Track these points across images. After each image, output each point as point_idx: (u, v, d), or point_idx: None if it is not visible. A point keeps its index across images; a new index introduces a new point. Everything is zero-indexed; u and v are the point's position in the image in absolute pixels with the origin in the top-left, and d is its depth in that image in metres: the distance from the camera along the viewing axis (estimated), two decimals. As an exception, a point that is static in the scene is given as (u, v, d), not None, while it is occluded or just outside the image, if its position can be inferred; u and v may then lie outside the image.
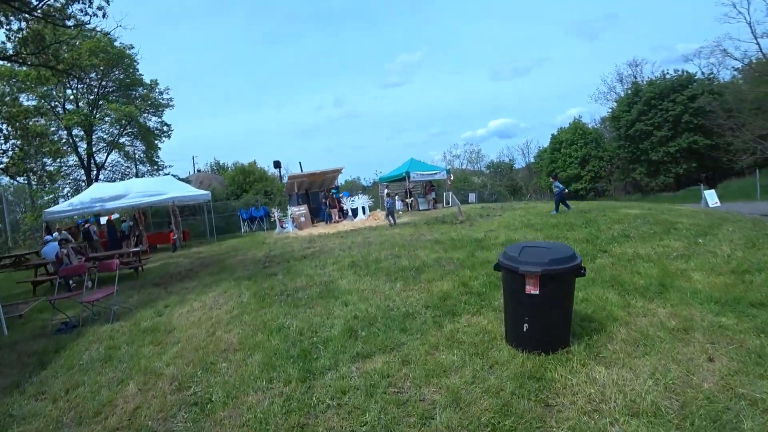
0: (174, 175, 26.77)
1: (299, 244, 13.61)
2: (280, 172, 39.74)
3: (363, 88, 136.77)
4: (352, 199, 21.56)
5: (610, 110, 42.91)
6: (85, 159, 24.98)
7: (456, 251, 8.33)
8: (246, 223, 22.71)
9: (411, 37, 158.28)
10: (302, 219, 20.49)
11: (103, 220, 19.87)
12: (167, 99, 26.82)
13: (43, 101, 23.73)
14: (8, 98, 14.26)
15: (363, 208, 21.26)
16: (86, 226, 17.66)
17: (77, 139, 24.91)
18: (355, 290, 6.23)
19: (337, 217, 21.37)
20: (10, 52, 12.52)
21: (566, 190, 13.68)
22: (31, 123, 14.92)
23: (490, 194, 38.53)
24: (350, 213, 21.25)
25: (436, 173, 25.31)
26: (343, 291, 6.28)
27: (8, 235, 25.19)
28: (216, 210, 24.92)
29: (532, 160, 55.42)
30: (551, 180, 14.35)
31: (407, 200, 24.47)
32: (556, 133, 44.11)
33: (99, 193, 17.73)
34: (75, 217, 19.09)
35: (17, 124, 14.43)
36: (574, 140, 40.76)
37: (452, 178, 27.56)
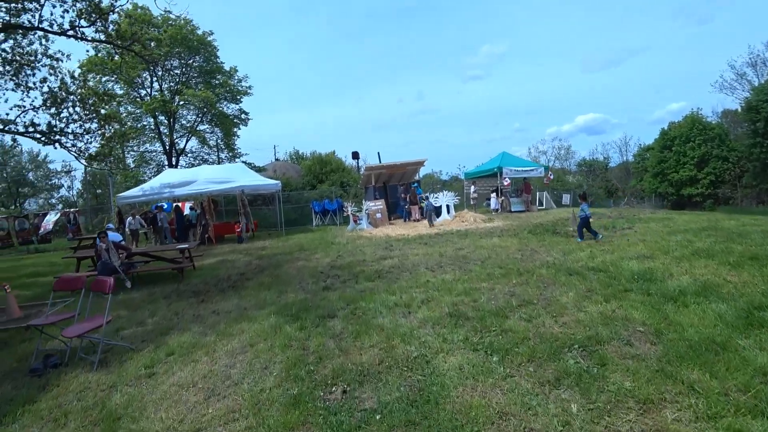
0: (249, 163, 25.35)
1: (373, 249, 10.76)
2: (358, 163, 37.59)
3: (444, 82, 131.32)
4: (435, 195, 18.34)
5: (739, 102, 35.33)
6: (168, 145, 24.28)
7: (621, 300, 4.87)
8: (318, 216, 20.43)
9: (495, 28, 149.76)
10: (378, 215, 17.71)
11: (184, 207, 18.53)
12: (246, 86, 25.43)
13: (129, 89, 23.26)
14: (79, 79, 12.78)
15: (447, 206, 18.01)
16: (155, 212, 16.23)
17: (162, 126, 24.25)
18: (481, 406, 2.91)
19: (417, 215, 18.33)
20: (66, 26, 10.90)
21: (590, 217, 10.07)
22: (103, 106, 13.45)
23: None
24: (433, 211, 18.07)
25: (532, 170, 21.31)
26: (457, 406, 2.94)
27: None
28: (289, 200, 23.02)
29: (631, 158, 48.28)
30: (580, 201, 10.81)
31: (499, 200, 20.76)
32: (666, 128, 37.32)
33: (168, 179, 16.27)
34: (149, 203, 17.96)
35: (89, 105, 13.06)
36: (690, 137, 33.91)
37: (551, 176, 23.33)
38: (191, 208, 16.91)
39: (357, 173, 32.67)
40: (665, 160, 35.22)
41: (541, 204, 22.48)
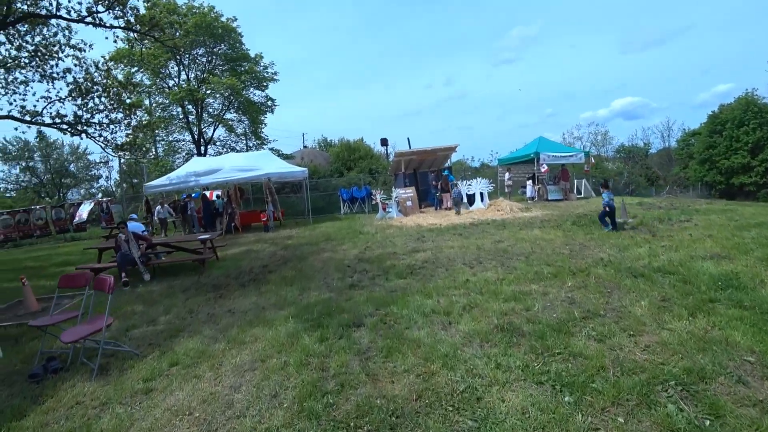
0: (276, 150, 24.89)
1: (404, 240, 9.99)
2: (386, 150, 36.72)
3: (474, 66, 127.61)
4: (468, 183, 17.33)
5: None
6: (196, 134, 24.09)
7: (710, 314, 3.90)
8: (346, 204, 19.78)
9: (527, 10, 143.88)
10: (408, 203, 16.89)
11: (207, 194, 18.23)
12: (272, 73, 24.84)
13: (156, 79, 23.09)
14: (103, 69, 12.44)
15: (481, 194, 16.97)
16: (185, 201, 15.97)
17: (190, 116, 24.03)
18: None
19: (448, 204, 17.38)
20: (84, 12, 10.46)
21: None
22: (128, 95, 13.11)
23: (626, 184, 31.31)
24: (465, 199, 17.09)
25: (571, 155, 19.89)
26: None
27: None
28: (317, 188, 22.47)
29: (674, 144, 45.08)
30: (602, 190, 10.35)
31: (535, 188, 19.50)
32: (716, 111, 34.46)
33: (194, 167, 15.94)
34: (177, 192, 17.74)
35: (113, 94, 12.75)
36: (744, 120, 31.06)
37: (593, 162, 21.79)
38: (218, 197, 16.55)
39: (386, 160, 31.87)
40: (714, 146, 32.48)
41: (579, 192, 21.03)
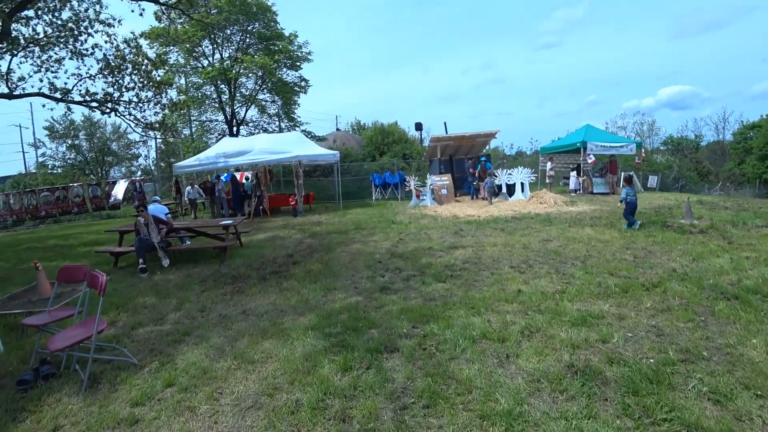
0: (308, 133, 24.21)
1: (440, 233, 9.12)
2: (421, 134, 35.56)
3: (513, 50, 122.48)
4: (508, 171, 16.13)
5: None
6: (229, 114, 23.70)
7: None
8: (378, 190, 18.96)
9: None
10: (443, 192, 15.92)
11: (237, 176, 17.78)
12: (306, 52, 24.00)
13: (190, 58, 22.70)
14: (133, 45, 11.96)
15: (522, 185, 15.77)
16: (214, 182, 15.57)
17: (223, 95, 23.60)
18: None
19: (485, 194, 16.27)
20: None
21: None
22: (156, 72, 12.63)
23: (675, 179, 28.91)
24: (504, 190, 15.95)
25: (621, 146, 18.23)
26: None
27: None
28: (348, 171, 21.73)
29: (729, 137, 41.49)
30: (623, 185, 9.99)
31: (580, 179, 18.05)
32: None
33: (224, 148, 15.48)
34: (207, 173, 17.40)
35: (142, 71, 12.30)
36: (815, 108, 27.95)
37: (644, 154, 20.02)
38: (247, 179, 16.08)
39: (420, 145, 30.79)
40: (777, 139, 29.70)
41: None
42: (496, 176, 16.28)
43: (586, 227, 9.16)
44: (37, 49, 11.93)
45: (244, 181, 16.57)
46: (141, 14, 10.54)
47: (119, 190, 19.69)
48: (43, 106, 11.75)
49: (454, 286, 5.24)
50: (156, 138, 14.63)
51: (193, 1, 12.20)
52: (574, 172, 18.63)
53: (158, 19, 11.12)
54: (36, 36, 11.69)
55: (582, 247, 7.23)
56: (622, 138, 22.43)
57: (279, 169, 21.58)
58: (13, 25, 11.48)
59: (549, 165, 19.80)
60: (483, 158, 17.14)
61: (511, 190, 16.04)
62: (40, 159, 40.91)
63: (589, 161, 17.77)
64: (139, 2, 10.43)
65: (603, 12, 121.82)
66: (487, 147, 19.57)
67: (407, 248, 7.73)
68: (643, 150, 19.84)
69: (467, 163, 17.55)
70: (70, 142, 41.01)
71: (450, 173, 17.29)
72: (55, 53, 12.14)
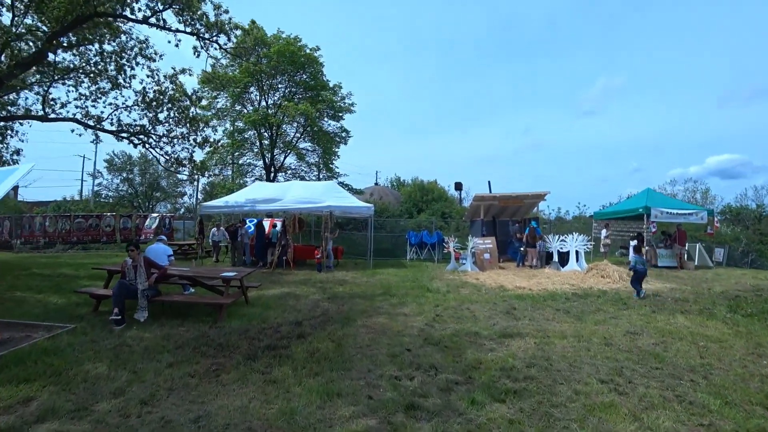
0: (346, 185, 23.14)
1: (486, 311, 7.19)
2: (460, 194, 34.09)
3: (554, 117, 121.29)
4: (562, 238, 14.05)
5: None
6: (269, 159, 23.17)
7: None
8: (414, 249, 17.18)
9: (613, 59, 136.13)
10: (486, 256, 13.97)
11: (266, 223, 16.56)
12: (349, 103, 23.56)
13: (235, 102, 22.72)
14: (173, 82, 11.43)
15: (577, 253, 13.61)
16: (236, 225, 14.39)
17: (264, 140, 23.24)
18: None
19: (534, 261, 14.19)
20: (147, 12, 9.38)
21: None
22: (194, 109, 11.98)
23: (744, 253, 25.36)
24: (556, 258, 13.81)
25: (690, 213, 15.75)
26: None
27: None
28: (383, 227, 20.19)
29: (796, 206, 36.95)
30: (633, 253, 9.16)
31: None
32: None
33: (254, 193, 14.44)
34: (232, 215, 16.33)
35: (179, 106, 11.67)
36: None
37: (717, 225, 17.39)
38: (275, 226, 14.83)
39: (459, 205, 29.23)
40: None
41: (690, 258, 16.60)
42: (546, 242, 14.23)
43: (676, 315, 7.02)
44: (87, 79, 11.56)
45: (272, 228, 15.31)
46: (177, 45, 9.97)
47: (150, 228, 19.01)
48: (72, 131, 11.11)
49: (522, 414, 3.32)
50: (185, 174, 13.68)
51: (245, 51, 11.74)
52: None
53: (196, 53, 10.48)
54: (80, 65, 11.31)
55: (688, 348, 5.17)
56: (691, 205, 19.89)
57: (311, 219, 20.35)
58: (64, 55, 11.29)
59: (604, 232, 17.53)
60: (533, 222, 15.18)
61: (563, 258, 13.90)
62: (96, 188, 42.48)
63: (653, 230, 15.42)
64: (176, 33, 9.82)
65: (644, 81, 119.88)
66: (537, 208, 17.58)
67: (446, 331, 5.82)
68: (716, 218, 17.23)
69: (515, 226, 15.60)
70: (125, 175, 42.55)
71: (493, 236, 15.38)
72: (102, 84, 11.73)
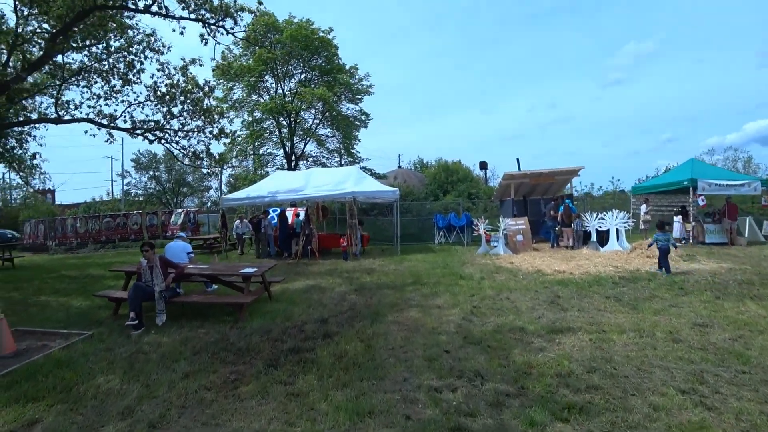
0: (369, 169, 22.54)
1: (528, 300, 6.54)
2: (486, 174, 32.99)
3: (580, 88, 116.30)
4: (600, 216, 13.11)
5: None
6: (289, 148, 22.76)
7: None
8: (442, 233, 16.52)
9: (642, 23, 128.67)
10: (519, 238, 13.19)
11: (288, 213, 16.19)
12: (367, 85, 22.77)
13: (251, 92, 22.26)
14: (185, 71, 11.01)
15: (617, 231, 12.66)
16: (260, 216, 14.08)
17: (283, 129, 22.79)
18: None
19: (569, 241, 13.33)
20: (148, 1, 8.89)
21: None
22: (207, 100, 11.55)
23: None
24: (594, 237, 12.91)
25: (741, 184, 14.43)
26: None
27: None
28: (409, 211, 19.56)
29: None
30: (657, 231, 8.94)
31: (689, 226, 14.53)
32: None
33: (275, 182, 14.05)
34: (256, 207, 16.03)
35: (191, 99, 11.28)
36: None
37: (774, 197, 15.94)
38: (298, 215, 14.43)
39: (485, 185, 28.25)
40: None
41: (740, 233, 15.31)
42: (584, 220, 13.32)
43: (746, 301, 6.19)
44: (99, 79, 11.30)
45: (295, 217, 14.93)
46: (182, 33, 9.48)
47: (176, 224, 19.03)
48: (86, 132, 10.90)
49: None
50: (204, 168, 13.30)
51: (255, 36, 11.19)
52: (679, 216, 15.06)
53: (203, 41, 9.98)
54: (90, 65, 11.04)
55: (775, 344, 4.39)
56: (741, 175, 18.39)
57: (335, 206, 19.91)
58: (75, 56, 11.03)
59: (644, 208, 16.35)
60: (567, 200, 14.25)
61: (602, 238, 12.98)
62: (125, 187, 43.44)
63: (701, 203, 14.23)
64: (179, 21, 9.31)
65: (677, 44, 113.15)
66: (571, 185, 16.57)
67: (486, 326, 5.23)
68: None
69: (548, 204, 14.68)
70: (151, 173, 43.30)
71: (525, 216, 14.55)
72: (114, 83, 11.46)
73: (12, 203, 38.54)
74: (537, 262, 10.65)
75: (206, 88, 11.26)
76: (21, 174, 15.32)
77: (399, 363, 4.13)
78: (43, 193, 48.07)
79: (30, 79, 12.10)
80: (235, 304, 6.06)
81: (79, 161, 79.08)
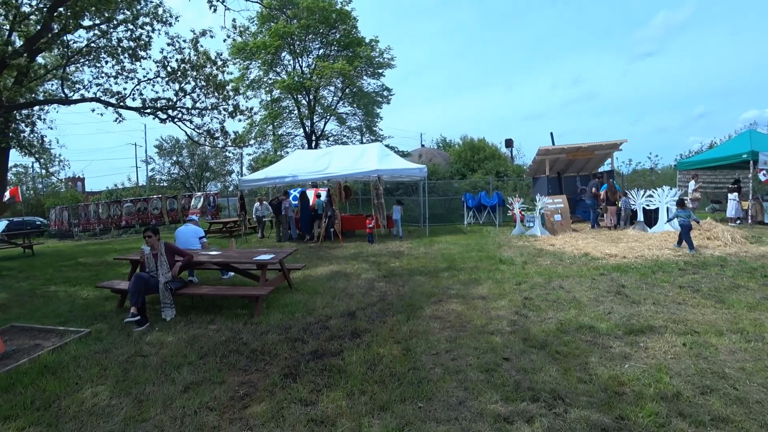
0: (392, 147, 21.46)
1: (587, 290, 5.58)
2: (512, 152, 31.60)
3: (606, 62, 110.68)
4: (647, 193, 11.82)
5: None
6: (309, 127, 21.87)
7: None
8: (471, 213, 15.46)
9: None
10: (557, 217, 12.07)
11: (309, 193, 15.40)
12: (388, 58, 21.51)
13: (270, 69, 21.29)
14: (195, 44, 10.16)
15: (668, 210, 11.38)
16: (282, 199, 13.34)
17: (302, 108, 21.85)
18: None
19: (612, 220, 12.15)
20: None
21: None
22: (220, 74, 10.70)
23: None
24: (640, 217, 11.68)
25: None
26: None
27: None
28: (435, 191, 18.55)
29: None
30: (677, 208, 8.97)
31: (746, 204, 13.07)
32: None
33: (295, 162, 13.24)
34: (274, 187, 15.29)
35: (203, 74, 10.48)
36: None
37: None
38: (319, 196, 13.63)
39: (512, 163, 26.94)
40: None
41: None
42: (630, 198, 12.07)
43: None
44: (109, 57, 10.60)
45: (316, 198, 14.15)
46: None
47: (196, 208, 18.56)
48: (93, 110, 10.26)
49: None
50: (218, 147, 12.51)
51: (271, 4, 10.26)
52: (735, 194, 13.57)
53: (212, 8, 9.11)
54: (96, 42, 10.31)
55: None
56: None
57: (358, 186, 19.04)
58: (83, 33, 10.33)
59: (692, 184, 14.87)
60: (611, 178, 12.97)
61: (649, 217, 11.74)
62: (150, 173, 43.64)
63: (762, 179, 12.75)
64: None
65: (712, 12, 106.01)
66: (612, 160, 15.19)
67: (546, 324, 4.30)
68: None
69: (593, 181, 13.41)
70: (175, 158, 43.24)
71: (560, 194, 13.37)
72: (124, 62, 10.73)
73: (44, 192, 39.18)
74: (581, 244, 9.58)
75: (219, 62, 10.42)
76: (40, 161, 14.98)
77: (448, 375, 3.26)
78: (74, 181, 48.91)
79: (41, 60, 11.54)
80: (250, 296, 5.29)
81: (105, 149, 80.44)
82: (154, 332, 4.78)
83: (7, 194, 18.91)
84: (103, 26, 10.05)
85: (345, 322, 4.80)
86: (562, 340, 3.81)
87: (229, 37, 10.03)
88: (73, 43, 10.52)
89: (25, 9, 8.79)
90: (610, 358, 3.43)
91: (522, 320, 4.44)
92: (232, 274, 7.47)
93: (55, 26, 9.25)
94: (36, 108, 10.99)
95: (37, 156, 13.97)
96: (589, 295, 5.26)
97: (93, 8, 8.97)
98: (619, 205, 12.20)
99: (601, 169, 15.79)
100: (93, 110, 10.23)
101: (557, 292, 5.50)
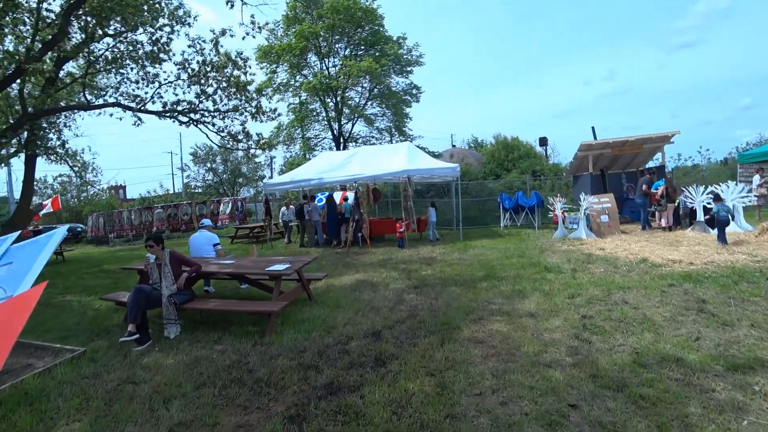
0: (423, 147, 20.64)
1: (657, 305, 4.61)
2: (546, 150, 30.15)
3: (642, 55, 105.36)
4: (709, 190, 10.49)
5: None
6: (337, 129, 21.38)
7: None
8: (508, 215, 14.43)
9: None
10: (604, 218, 10.92)
11: (337, 196, 14.84)
12: (416, 56, 20.74)
13: (296, 71, 20.96)
14: (216, 44, 9.81)
15: (733, 207, 10.03)
16: (301, 202, 12.83)
17: (329, 110, 21.41)
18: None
19: (668, 222, 10.87)
20: None
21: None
22: (243, 75, 10.29)
23: None
24: (701, 216, 10.36)
25: None
26: None
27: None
28: (468, 192, 17.61)
29: None
30: (714, 203, 8.74)
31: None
32: None
33: (321, 164, 12.69)
34: (298, 191, 14.82)
35: (225, 76, 10.11)
36: None
37: None
38: (346, 199, 13.00)
39: (547, 162, 25.59)
40: None
41: None
42: (689, 196, 10.77)
43: None
44: (134, 64, 10.42)
45: (343, 201, 13.56)
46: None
47: (225, 213, 18.40)
48: (111, 115, 10.09)
49: None
50: (239, 149, 12.07)
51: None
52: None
53: (229, 3, 8.68)
54: (119, 49, 10.12)
55: None
56: None
57: (388, 189, 18.35)
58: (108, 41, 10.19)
59: (757, 179, 13.27)
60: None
61: (711, 215, 10.39)
62: (186, 180, 44.68)
63: None
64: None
65: None
66: (662, 155, 13.79)
67: (618, 354, 3.40)
68: None
69: (644, 178, 12.12)
70: (209, 165, 44.06)
71: (605, 193, 12.16)
72: (147, 67, 10.51)
73: (86, 200, 40.83)
74: (635, 248, 8.45)
75: (239, 61, 9.99)
76: (74, 169, 15.12)
77: (498, 430, 2.46)
78: (116, 189, 50.80)
79: (71, 69, 11.50)
80: (261, 312, 4.65)
81: (145, 157, 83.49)
82: (153, 354, 4.21)
83: (47, 202, 19.43)
84: (129, 34, 9.88)
85: (368, 345, 4.07)
86: (643, 379, 2.93)
87: (248, 34, 9.57)
88: (99, 51, 10.42)
89: (44, 14, 8.60)
90: (718, 408, 2.53)
91: (585, 347, 3.57)
92: (247, 285, 6.91)
93: (79, 33, 9.09)
94: (62, 115, 10.94)
95: (70, 164, 14.08)
96: (663, 313, 4.30)
97: (117, 16, 8.75)
98: (681, 204, 10.94)
99: (648, 165, 14.45)
100: (111, 115, 10.04)
101: (621, 308, 4.56)
